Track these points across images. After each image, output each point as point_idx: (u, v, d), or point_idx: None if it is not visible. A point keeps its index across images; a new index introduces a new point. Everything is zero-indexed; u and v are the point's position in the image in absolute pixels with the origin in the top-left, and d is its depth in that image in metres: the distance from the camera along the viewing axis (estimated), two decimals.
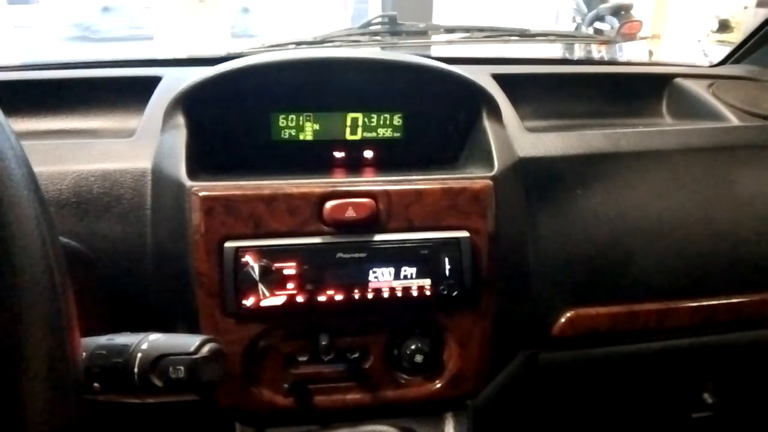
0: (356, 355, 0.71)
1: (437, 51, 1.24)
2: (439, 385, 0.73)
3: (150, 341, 0.40)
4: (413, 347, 0.71)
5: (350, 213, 0.67)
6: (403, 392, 0.72)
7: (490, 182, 0.72)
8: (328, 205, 0.67)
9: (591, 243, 0.79)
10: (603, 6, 3.95)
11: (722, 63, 1.19)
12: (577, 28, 4.21)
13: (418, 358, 0.71)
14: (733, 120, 0.90)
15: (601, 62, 1.07)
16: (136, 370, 0.38)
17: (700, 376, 0.91)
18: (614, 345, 0.82)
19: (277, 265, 0.65)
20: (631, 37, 3.69)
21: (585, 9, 4.34)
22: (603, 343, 0.81)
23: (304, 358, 0.70)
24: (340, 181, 0.69)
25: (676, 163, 0.82)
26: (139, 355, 0.38)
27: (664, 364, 0.85)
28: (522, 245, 0.77)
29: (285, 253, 0.66)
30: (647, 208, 0.80)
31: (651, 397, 0.93)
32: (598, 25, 3.91)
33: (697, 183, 0.82)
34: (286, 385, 0.69)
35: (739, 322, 0.82)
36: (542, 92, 1.01)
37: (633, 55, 3.71)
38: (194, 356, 0.38)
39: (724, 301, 0.80)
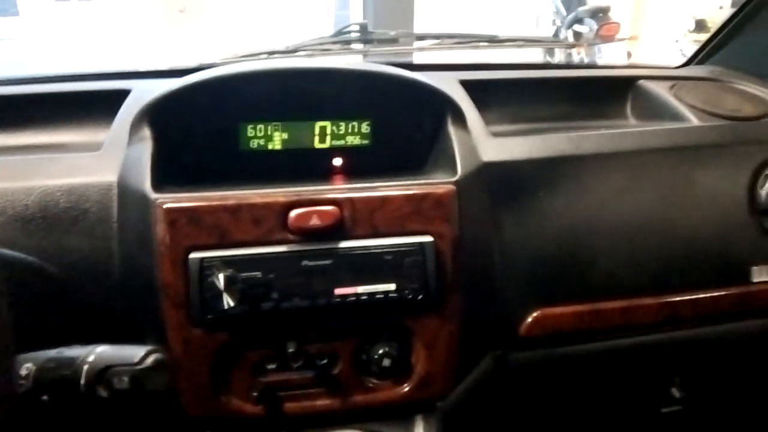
0: (325, 361, 0.72)
1: (408, 58, 1.26)
2: (407, 388, 0.74)
3: (97, 353, 0.40)
4: (381, 351, 0.72)
5: (315, 221, 0.68)
6: (373, 396, 0.73)
7: (453, 187, 0.73)
8: (293, 213, 0.68)
9: (555, 244, 0.80)
10: (581, 9, 4.01)
11: (687, 64, 1.22)
12: (557, 31, 4.27)
13: (386, 362, 0.72)
14: (694, 120, 0.92)
15: (567, 66, 1.09)
16: (82, 381, 0.38)
17: (668, 371, 0.92)
18: (581, 343, 0.83)
19: (242, 274, 0.66)
20: (609, 38, 3.75)
21: (564, 12, 4.40)
22: (570, 341, 0.83)
23: (273, 366, 0.71)
24: (304, 189, 0.70)
25: (637, 163, 0.84)
26: (86, 366, 0.39)
27: (632, 361, 0.87)
28: (487, 248, 0.78)
29: (250, 262, 0.67)
30: (610, 209, 0.82)
31: (620, 393, 0.94)
32: (577, 27, 3.98)
33: (658, 183, 0.84)
34: (255, 393, 0.70)
35: (702, 318, 0.84)
36: (510, 97, 1.03)
37: (612, 56, 3.77)
38: (138, 366, 0.39)
39: (687, 298, 0.82)
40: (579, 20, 3.95)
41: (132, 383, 0.39)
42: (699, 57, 1.19)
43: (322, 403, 0.72)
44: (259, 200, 0.68)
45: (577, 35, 3.93)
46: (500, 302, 0.79)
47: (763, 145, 0.88)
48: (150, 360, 0.41)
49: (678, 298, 0.82)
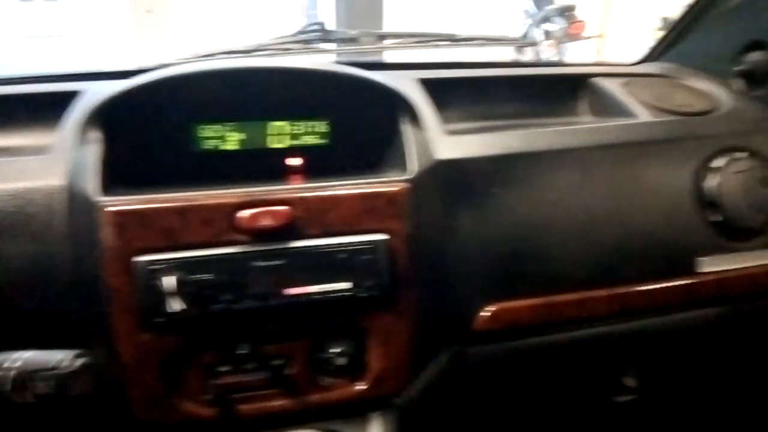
0: (279, 362, 0.72)
1: (369, 57, 1.26)
2: (363, 386, 0.74)
3: (24, 358, 0.40)
4: (336, 350, 0.73)
5: (266, 221, 0.68)
6: (328, 395, 0.73)
7: (407, 185, 0.74)
8: (243, 214, 0.68)
9: (510, 239, 0.81)
10: (550, 8, 4.07)
11: (643, 61, 1.24)
12: (528, 29, 4.32)
13: (341, 360, 0.72)
14: (645, 116, 0.94)
15: (524, 65, 1.10)
16: (9, 386, 0.38)
17: (621, 361, 0.94)
18: (536, 336, 0.84)
19: (192, 277, 0.66)
20: (577, 36, 3.82)
21: (535, 11, 4.46)
22: (525, 335, 0.84)
23: (226, 368, 0.71)
24: (254, 190, 0.70)
25: (589, 159, 0.86)
26: (13, 372, 0.38)
27: (586, 352, 0.89)
28: (442, 245, 0.79)
29: (200, 264, 0.66)
30: (562, 203, 0.83)
31: (575, 384, 0.96)
32: (546, 26, 4.03)
33: (609, 177, 0.86)
34: (208, 396, 0.70)
35: (652, 309, 0.86)
36: (468, 95, 1.04)
37: (580, 54, 3.83)
38: (63, 371, 0.39)
39: (637, 289, 0.84)
40: (548, 19, 4.01)
41: (57, 387, 0.38)
42: (653, 54, 1.21)
43: (277, 403, 0.72)
44: (208, 201, 0.68)
45: (547, 34, 3.99)
46: (456, 298, 0.80)
47: (710, 139, 0.91)
48: (76, 364, 0.40)
49: (629, 290, 0.84)
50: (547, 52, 3.84)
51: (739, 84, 1.04)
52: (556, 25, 3.93)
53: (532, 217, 0.82)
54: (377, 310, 0.72)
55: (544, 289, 0.82)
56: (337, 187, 0.71)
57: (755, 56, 1.01)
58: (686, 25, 1.15)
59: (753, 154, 0.90)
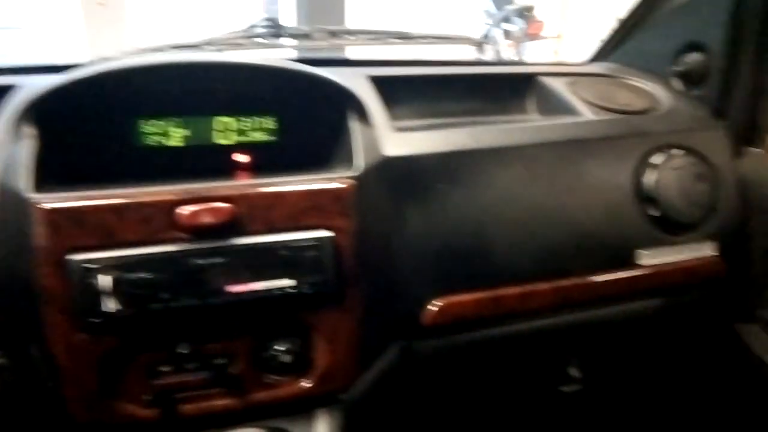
0: (222, 361, 0.71)
1: (321, 53, 1.26)
2: (308, 383, 0.74)
3: None
4: (281, 348, 0.72)
5: (206, 218, 0.67)
6: (274, 393, 0.73)
7: (352, 182, 0.74)
8: (183, 211, 0.66)
9: (456, 235, 0.82)
10: (509, 8, 4.13)
11: (590, 61, 1.28)
12: (488, 29, 4.38)
13: (286, 358, 0.72)
14: (587, 114, 0.97)
15: (475, 63, 1.12)
16: None
17: (565, 352, 0.97)
18: (482, 329, 0.86)
19: (128, 276, 0.64)
20: (535, 37, 3.89)
21: (495, 11, 4.51)
22: (471, 328, 0.85)
23: (167, 368, 0.69)
24: (194, 186, 0.69)
25: (533, 156, 0.88)
26: None
27: (531, 344, 0.91)
28: (388, 241, 0.79)
29: (137, 263, 0.65)
30: (507, 199, 0.85)
31: (521, 375, 0.98)
32: (505, 26, 4.09)
33: (552, 174, 0.88)
34: (148, 397, 0.68)
35: (594, 301, 0.89)
36: (419, 92, 1.05)
37: (538, 53, 3.91)
38: None
39: (578, 282, 0.87)
40: (507, 19, 4.07)
41: None
42: (599, 54, 1.25)
43: (221, 402, 0.71)
44: (146, 198, 0.66)
45: (507, 33, 4.05)
46: (403, 293, 0.81)
47: (649, 137, 0.94)
48: None
49: (571, 283, 0.86)
50: (507, 51, 3.90)
51: (678, 84, 1.09)
52: (515, 26, 3.99)
53: (478, 212, 0.84)
54: (322, 307, 0.72)
55: (489, 283, 0.83)
56: (280, 184, 0.71)
57: (693, 57, 1.05)
58: (630, 27, 1.19)
59: (689, 151, 0.94)
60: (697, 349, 1.08)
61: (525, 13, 3.97)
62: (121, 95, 0.76)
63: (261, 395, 0.72)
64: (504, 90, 1.09)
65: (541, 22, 3.93)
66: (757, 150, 1.01)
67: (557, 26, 4.68)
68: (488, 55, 4.19)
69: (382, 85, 0.97)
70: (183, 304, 0.66)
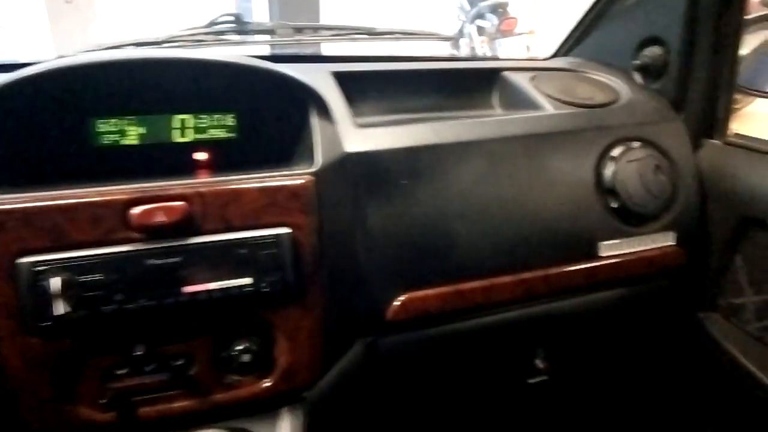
0: (180, 362, 0.70)
1: (285, 50, 1.25)
2: (270, 382, 0.73)
3: None
4: (240, 347, 0.71)
5: (159, 217, 0.66)
6: (235, 393, 0.72)
7: (311, 178, 0.73)
8: (135, 210, 0.65)
9: (419, 230, 0.82)
10: (482, 4, 4.16)
11: (554, 56, 1.29)
12: (462, 26, 4.41)
13: (246, 357, 0.71)
14: (549, 109, 0.97)
15: (440, 59, 1.12)
16: None
17: (531, 344, 0.98)
18: (446, 324, 0.86)
19: (81, 278, 0.63)
20: (509, 33, 3.92)
21: (468, 7, 4.54)
22: (435, 323, 0.85)
23: (124, 371, 0.68)
24: (147, 185, 0.67)
25: (495, 150, 0.88)
26: None
27: (496, 337, 0.92)
28: (350, 237, 0.79)
29: (89, 264, 0.63)
30: (469, 194, 0.85)
31: (487, 369, 0.99)
32: (479, 22, 4.12)
33: (514, 167, 0.88)
34: (104, 401, 0.67)
35: (556, 292, 0.90)
36: (384, 88, 1.05)
37: (511, 50, 3.94)
38: None
39: (541, 274, 0.87)
40: (481, 15, 4.10)
41: None
42: (562, 49, 1.26)
43: (180, 404, 0.70)
44: (97, 198, 0.65)
45: (481, 30, 4.08)
46: (366, 289, 0.80)
47: (609, 130, 0.95)
48: None
49: (534, 275, 0.87)
50: (482, 48, 3.93)
51: (638, 77, 1.10)
52: (489, 22, 4.02)
53: (441, 207, 0.84)
54: (282, 305, 0.72)
55: (452, 278, 0.84)
56: (237, 181, 0.70)
57: (652, 51, 1.07)
58: (591, 22, 1.20)
59: (648, 143, 0.95)
60: (660, 337, 1.10)
61: (498, 9, 4.00)
62: (74, 93, 0.74)
63: (222, 396, 0.71)
64: (469, 85, 1.10)
65: (514, 18, 3.96)
66: (715, 141, 1.03)
67: (530, 22, 4.73)
68: (463, 51, 4.22)
69: (346, 81, 0.97)
70: (138, 305, 0.65)
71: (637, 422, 1.24)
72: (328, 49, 1.25)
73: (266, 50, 1.15)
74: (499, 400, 1.07)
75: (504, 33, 3.91)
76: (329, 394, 0.78)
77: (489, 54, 3.95)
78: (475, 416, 1.05)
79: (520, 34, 4.08)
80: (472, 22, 4.15)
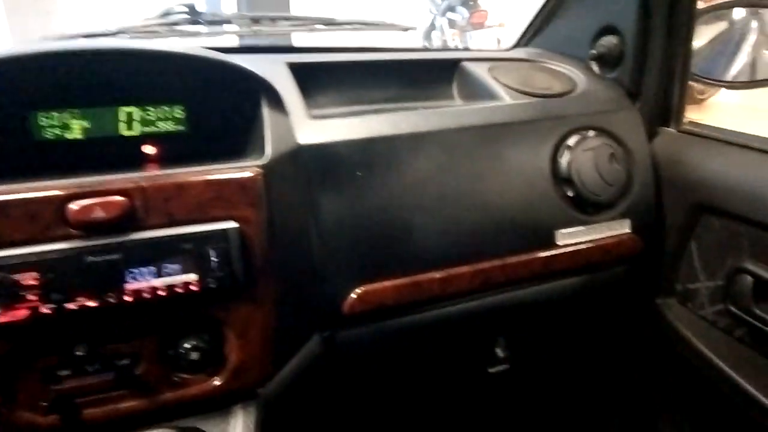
0: (126, 361, 0.68)
1: (242, 41, 1.22)
2: (221, 380, 0.71)
3: None
4: (189, 345, 0.70)
5: (98, 213, 0.63)
6: (184, 392, 0.70)
7: (259, 171, 0.71)
8: (73, 206, 0.63)
9: (374, 222, 0.82)
10: None
11: (514, 46, 1.29)
12: (433, 19, 4.40)
13: (194, 355, 0.69)
14: (506, 99, 0.97)
15: (399, 50, 1.11)
16: None
17: (491, 333, 0.98)
18: (404, 316, 0.86)
19: (15, 277, 0.60)
20: (479, 25, 3.93)
21: (440, 0, 4.54)
22: (393, 315, 0.85)
23: (66, 372, 0.66)
24: (86, 180, 0.65)
25: (452, 141, 0.87)
26: None
27: (456, 327, 0.91)
28: (303, 230, 0.78)
29: (24, 263, 0.61)
30: (426, 185, 0.85)
31: (448, 359, 0.99)
32: (450, 15, 4.12)
33: (471, 158, 0.88)
34: (45, 403, 0.65)
35: (514, 282, 0.90)
36: (342, 80, 1.03)
37: (482, 42, 3.96)
38: None
39: (500, 263, 0.87)
40: (452, 8, 4.10)
41: None
42: (522, 40, 1.26)
43: (127, 405, 0.68)
44: (32, 194, 0.62)
45: (452, 23, 4.08)
46: (321, 283, 0.79)
47: (565, 119, 0.95)
48: None
49: (491, 265, 0.87)
50: (453, 40, 3.93)
51: (596, 67, 1.11)
52: (460, 15, 4.02)
53: (397, 199, 0.83)
54: (231, 302, 0.70)
55: (409, 269, 0.83)
56: (180, 175, 0.68)
57: (608, 40, 1.07)
58: (550, 12, 1.20)
59: (603, 132, 0.96)
60: (618, 324, 1.12)
61: (469, 2, 4.01)
62: (14, 86, 0.72)
63: (171, 395, 0.70)
64: (428, 76, 1.09)
65: (485, 11, 3.97)
66: (670, 129, 1.05)
67: (501, 15, 4.75)
68: (435, 44, 4.22)
69: (302, 72, 0.95)
70: (78, 305, 0.63)
71: (596, 407, 1.26)
72: (286, 40, 1.23)
73: (221, 41, 1.12)
74: (460, 390, 1.07)
75: (475, 26, 3.92)
76: (285, 390, 0.77)
77: (460, 47, 3.96)
78: (436, 407, 1.05)
79: (490, 26, 4.10)
80: (443, 14, 4.15)
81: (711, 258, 0.96)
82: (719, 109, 4.39)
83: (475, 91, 1.03)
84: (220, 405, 0.73)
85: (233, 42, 1.15)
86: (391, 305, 0.83)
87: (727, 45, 1.24)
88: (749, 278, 0.88)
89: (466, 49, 1.20)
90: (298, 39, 1.14)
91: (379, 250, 0.82)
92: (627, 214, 0.96)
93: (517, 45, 1.28)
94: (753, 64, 1.21)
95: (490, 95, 0.99)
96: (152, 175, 0.68)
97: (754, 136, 0.94)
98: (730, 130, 1.00)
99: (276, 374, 0.76)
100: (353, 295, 0.81)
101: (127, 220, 0.64)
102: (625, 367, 1.18)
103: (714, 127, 1.03)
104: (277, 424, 0.78)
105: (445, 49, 1.29)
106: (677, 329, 1.01)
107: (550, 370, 1.15)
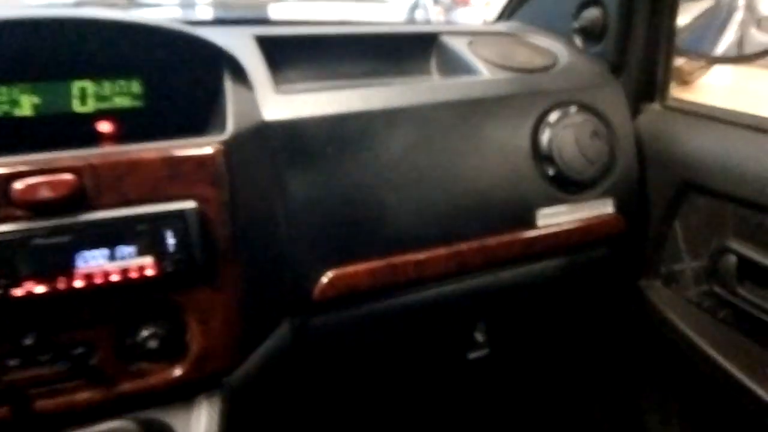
0: (81, 351, 0.64)
1: (208, 14, 1.16)
2: (183, 369, 0.68)
3: None
4: (147, 333, 0.66)
5: (45, 192, 0.59)
6: (144, 382, 0.66)
7: (219, 147, 0.67)
8: (18, 185, 0.58)
9: (345, 202, 0.78)
10: None
11: (496, 21, 1.25)
12: None
13: (153, 343, 0.65)
14: (485, 73, 0.93)
15: (373, 23, 1.06)
16: None
17: (470, 318, 0.95)
18: (378, 300, 0.82)
19: None
20: (464, 3, 3.86)
21: None
22: (368, 299, 0.81)
23: (15, 362, 0.62)
24: (32, 158, 0.60)
25: (428, 117, 0.83)
26: None
27: (433, 312, 0.88)
28: (269, 211, 0.74)
29: None
30: (400, 163, 0.81)
31: (425, 345, 0.96)
32: None
33: (449, 135, 0.84)
34: None
35: (492, 263, 0.87)
36: (313, 54, 0.98)
37: (467, 20, 3.88)
38: None
39: (478, 245, 0.84)
40: None
41: None
42: (504, 14, 1.22)
43: (83, 396, 0.64)
44: None
45: (436, 0, 3.99)
46: (290, 267, 0.76)
47: (546, 95, 0.92)
48: None
49: (469, 246, 0.84)
50: (437, 18, 3.85)
51: (578, 41, 1.07)
52: None
53: (369, 178, 0.79)
54: (191, 286, 0.66)
55: (383, 251, 0.80)
56: (134, 151, 0.64)
57: (590, 13, 1.04)
58: None
59: (585, 108, 0.93)
60: (601, 306, 1.09)
61: None
62: None
63: (129, 385, 0.66)
64: (405, 51, 1.05)
65: None
66: (655, 105, 1.02)
67: None
68: (419, 19, 4.13)
69: (271, 45, 0.91)
70: (25, 290, 0.58)
71: (579, 390, 1.24)
72: (256, 12, 1.17)
73: (186, 13, 1.07)
74: (439, 377, 1.05)
75: (459, 3, 3.84)
76: (252, 379, 0.74)
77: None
78: (414, 396, 1.03)
79: (475, 4, 4.02)
80: None
81: (695, 238, 0.93)
82: (708, 91, 4.38)
83: (453, 65, 0.99)
84: (182, 395, 0.69)
85: (200, 15, 1.10)
86: (365, 289, 0.79)
87: (714, 21, 1.20)
88: (734, 257, 0.86)
89: (447, 23, 1.16)
90: (269, 11, 1.09)
91: (351, 231, 0.78)
92: (610, 193, 0.94)
93: (498, 19, 1.24)
94: (740, 42, 1.18)
95: (469, 70, 0.95)
96: (104, 151, 0.63)
97: (740, 112, 0.91)
98: (716, 107, 0.97)
99: (242, 363, 0.72)
100: (324, 279, 0.77)
101: (77, 199, 0.60)
102: (607, 350, 1.17)
103: (700, 103, 1.00)
104: (244, 415, 0.74)
105: (423, 23, 1.25)
106: (661, 311, 0.99)
107: (532, 354, 1.13)
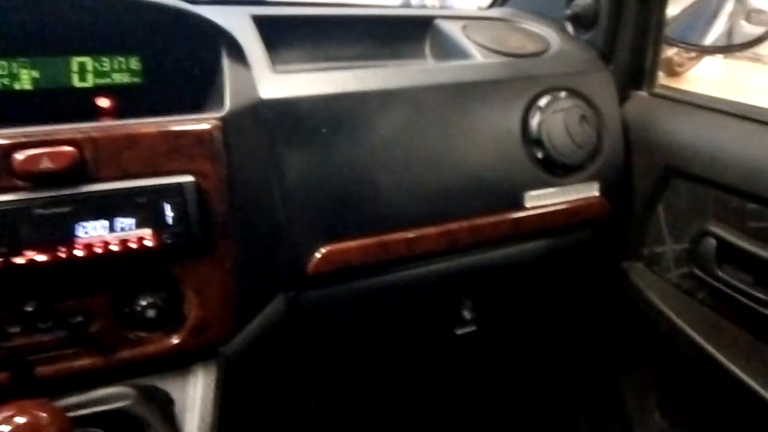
0: (80, 319, 0.66)
1: None
2: (179, 338, 0.70)
3: None
4: (145, 303, 0.68)
5: (46, 164, 0.60)
6: (141, 350, 0.69)
7: (217, 123, 0.69)
8: (19, 156, 0.60)
9: (339, 180, 0.80)
10: None
11: (491, 6, 1.26)
12: None
13: (151, 313, 0.67)
14: (478, 57, 0.95)
15: (371, 6, 1.07)
16: None
17: (458, 295, 0.98)
18: (370, 277, 0.85)
19: None
20: None
21: None
22: (359, 276, 0.84)
23: (16, 329, 0.63)
24: (33, 129, 0.62)
25: (420, 99, 0.85)
26: None
27: (422, 289, 0.91)
28: (266, 187, 0.76)
29: None
30: (393, 143, 0.83)
31: (414, 321, 0.99)
32: None
33: (441, 117, 0.86)
34: None
35: (481, 243, 0.89)
36: (309, 35, 1.00)
37: (463, 6, 3.89)
38: None
39: (467, 224, 0.87)
40: None
41: None
42: (498, 0, 1.24)
43: (82, 363, 0.66)
44: None
45: None
46: (285, 242, 0.78)
47: (537, 80, 0.94)
48: None
49: (458, 226, 0.86)
50: (433, 5, 3.85)
51: (570, 27, 1.09)
52: None
53: (363, 157, 0.81)
54: (189, 259, 0.68)
55: (375, 229, 0.82)
56: (134, 126, 0.65)
57: (583, 0, 1.05)
58: None
59: (574, 93, 0.95)
60: (585, 287, 1.13)
61: None
62: None
63: (127, 353, 0.68)
64: (400, 34, 1.06)
65: None
66: (642, 93, 1.04)
67: None
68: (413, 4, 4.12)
69: (267, 25, 0.92)
70: (26, 259, 0.60)
71: (562, 367, 1.28)
72: None
73: None
74: (427, 352, 1.08)
75: None
76: (247, 349, 0.76)
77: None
78: (402, 369, 1.06)
79: None
80: None
81: (678, 222, 0.97)
82: (697, 82, 4.42)
83: (447, 49, 1.01)
84: (179, 364, 0.71)
85: None
86: (357, 265, 0.82)
87: (704, 12, 1.22)
88: (713, 241, 0.89)
89: (442, 8, 1.18)
90: None
91: (345, 209, 0.80)
92: (596, 177, 0.96)
93: (492, 4, 1.25)
94: (729, 33, 1.21)
95: (462, 54, 0.97)
96: (104, 125, 0.65)
97: (724, 100, 0.94)
98: (701, 95, 0.99)
99: (238, 333, 0.75)
100: (318, 255, 0.79)
101: (77, 171, 0.62)
102: (590, 329, 1.20)
103: (686, 91, 1.02)
104: (239, 384, 0.77)
105: (419, 8, 1.26)
106: (642, 292, 1.02)
107: (516, 331, 1.16)
